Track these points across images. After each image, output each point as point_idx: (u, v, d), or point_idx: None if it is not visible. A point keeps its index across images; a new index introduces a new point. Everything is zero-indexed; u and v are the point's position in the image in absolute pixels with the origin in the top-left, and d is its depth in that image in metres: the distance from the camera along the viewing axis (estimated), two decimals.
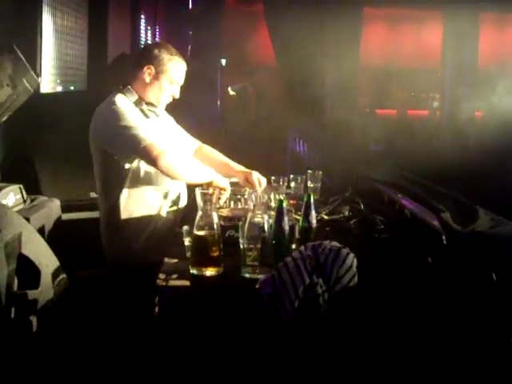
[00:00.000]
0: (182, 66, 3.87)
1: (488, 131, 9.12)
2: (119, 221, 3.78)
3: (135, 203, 3.78)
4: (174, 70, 3.82)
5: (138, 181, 3.74)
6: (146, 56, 3.82)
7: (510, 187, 6.02)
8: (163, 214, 3.83)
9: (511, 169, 7.34)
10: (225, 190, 3.67)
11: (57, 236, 4.17)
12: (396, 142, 9.91)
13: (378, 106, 12.59)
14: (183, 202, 3.96)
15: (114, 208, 3.78)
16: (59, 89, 5.38)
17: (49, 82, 5.14)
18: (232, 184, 3.96)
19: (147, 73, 3.77)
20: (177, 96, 3.91)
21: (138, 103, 3.80)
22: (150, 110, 3.85)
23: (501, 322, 2.62)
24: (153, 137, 3.58)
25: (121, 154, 3.65)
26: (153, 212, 3.81)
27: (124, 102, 3.72)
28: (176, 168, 3.59)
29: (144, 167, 3.71)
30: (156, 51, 3.80)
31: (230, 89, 14.06)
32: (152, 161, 3.55)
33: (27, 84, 4.02)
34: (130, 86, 3.80)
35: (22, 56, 3.97)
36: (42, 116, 4.43)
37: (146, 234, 3.82)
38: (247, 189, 3.85)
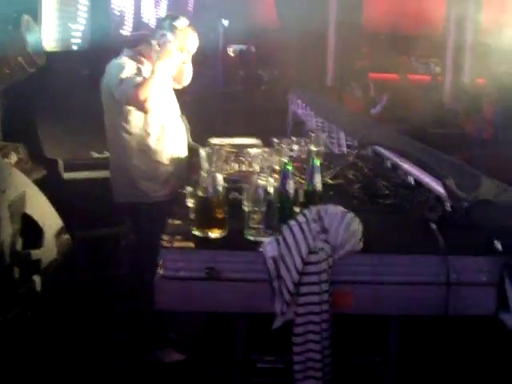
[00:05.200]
0: (193, 36, 4.05)
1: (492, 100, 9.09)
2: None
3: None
4: (186, 40, 3.99)
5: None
6: (160, 26, 4.00)
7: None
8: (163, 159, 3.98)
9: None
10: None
11: (58, 195, 4.17)
12: (397, 107, 9.89)
13: (378, 69, 12.51)
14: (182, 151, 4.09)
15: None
16: (61, 48, 5.32)
17: (51, 41, 5.08)
18: (235, 146, 3.97)
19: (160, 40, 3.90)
20: (187, 62, 4.13)
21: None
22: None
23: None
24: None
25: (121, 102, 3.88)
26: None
27: (132, 60, 3.95)
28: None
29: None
30: (169, 21, 3.98)
31: (231, 50, 13.93)
32: (140, 104, 3.82)
33: (23, 62, 3.96)
34: (139, 54, 4.02)
35: (25, 34, 3.90)
36: (43, 75, 4.38)
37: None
38: (250, 151, 3.84)
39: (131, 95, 3.77)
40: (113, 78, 3.87)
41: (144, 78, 3.82)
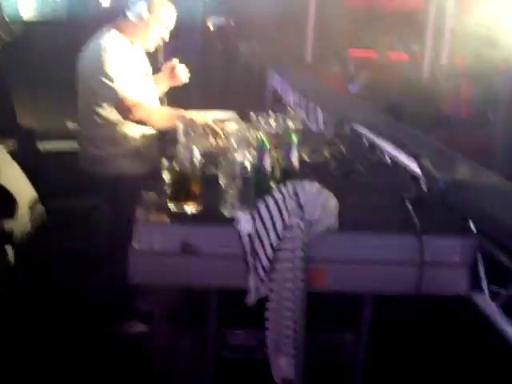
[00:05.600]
0: (171, 9, 3.96)
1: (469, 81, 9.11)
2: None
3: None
4: (162, 12, 3.90)
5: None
6: None
7: (491, 136, 6.05)
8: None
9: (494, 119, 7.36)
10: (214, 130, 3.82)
11: (32, 166, 4.13)
12: (376, 84, 9.89)
13: (358, 46, 12.47)
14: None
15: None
16: (39, 18, 5.26)
17: (28, 11, 5.01)
18: (213, 120, 3.95)
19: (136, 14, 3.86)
20: (166, 39, 4.01)
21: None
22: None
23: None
24: (130, 91, 3.76)
25: (101, 99, 3.80)
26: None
27: (114, 45, 3.82)
28: (146, 121, 3.84)
29: None
30: None
31: (210, 24, 13.81)
32: (125, 114, 3.78)
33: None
34: (115, 28, 3.89)
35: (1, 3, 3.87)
36: (18, 44, 4.32)
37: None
38: (227, 125, 3.82)
39: (120, 108, 3.78)
40: (96, 63, 3.78)
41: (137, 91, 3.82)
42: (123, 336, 4.07)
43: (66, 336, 3.93)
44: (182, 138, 2.78)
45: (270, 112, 4.18)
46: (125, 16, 3.86)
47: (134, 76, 3.88)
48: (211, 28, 13.75)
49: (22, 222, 3.25)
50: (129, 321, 4.14)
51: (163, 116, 3.95)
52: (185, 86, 4.39)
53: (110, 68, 3.73)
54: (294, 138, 3.09)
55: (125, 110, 3.77)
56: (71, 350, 3.86)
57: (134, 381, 3.69)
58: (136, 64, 3.95)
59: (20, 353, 3.28)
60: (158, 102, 4.14)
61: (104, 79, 3.72)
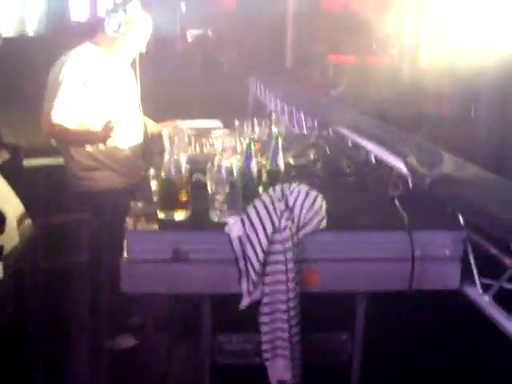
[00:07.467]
0: (149, 22, 3.96)
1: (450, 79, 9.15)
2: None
3: None
4: (138, 23, 3.88)
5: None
6: (114, 10, 3.85)
7: (473, 133, 6.08)
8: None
9: (475, 116, 7.40)
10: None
11: (18, 182, 4.12)
12: (357, 88, 9.92)
13: (337, 51, 12.49)
14: (137, 140, 4.01)
15: None
16: (17, 33, 5.25)
17: (7, 27, 5.01)
18: (197, 129, 3.96)
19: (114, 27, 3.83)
20: (143, 50, 3.99)
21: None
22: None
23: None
24: (61, 114, 3.68)
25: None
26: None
27: (79, 58, 3.78)
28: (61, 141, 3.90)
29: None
30: (124, 7, 3.84)
31: (188, 34, 13.81)
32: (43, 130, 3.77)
33: None
34: (91, 42, 3.89)
35: None
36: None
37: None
38: (212, 132, 3.83)
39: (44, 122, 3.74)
40: (52, 74, 3.77)
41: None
42: (114, 350, 4.05)
43: (56, 351, 3.91)
44: (167, 145, 2.77)
45: (254, 119, 4.19)
46: (103, 30, 3.84)
47: (103, 88, 3.82)
48: (189, 39, 13.75)
49: (10, 236, 3.24)
50: (119, 335, 4.12)
51: (81, 139, 3.85)
52: (166, 97, 4.39)
53: (60, 82, 3.68)
54: (280, 141, 3.10)
55: (43, 126, 3.75)
56: (62, 365, 3.84)
57: None
58: (110, 76, 3.90)
59: (10, 367, 3.26)
60: (139, 110, 4.11)
61: (49, 92, 3.72)
